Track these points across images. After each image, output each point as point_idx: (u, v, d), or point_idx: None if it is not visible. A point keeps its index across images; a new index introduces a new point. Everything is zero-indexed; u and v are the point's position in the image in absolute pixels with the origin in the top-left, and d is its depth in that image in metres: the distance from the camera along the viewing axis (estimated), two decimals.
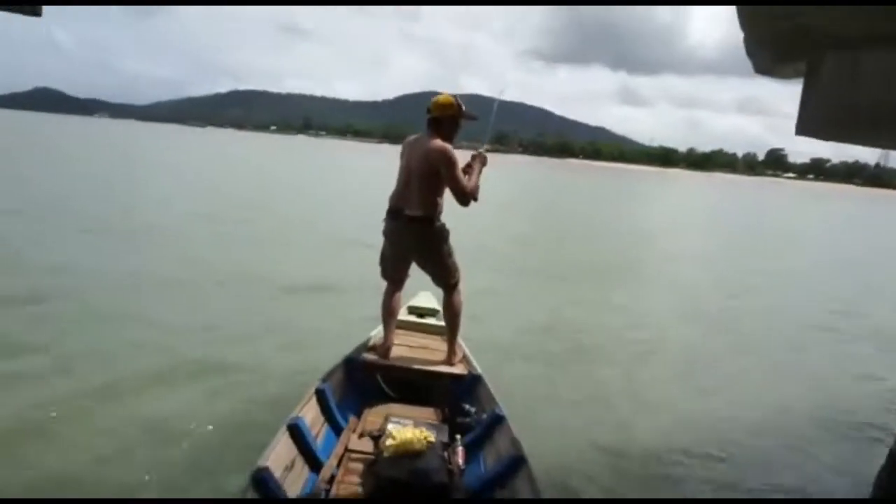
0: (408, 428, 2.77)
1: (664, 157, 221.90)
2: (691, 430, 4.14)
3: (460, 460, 2.60)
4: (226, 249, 8.82)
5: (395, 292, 3.51)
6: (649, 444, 3.87)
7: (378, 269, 3.51)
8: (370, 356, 3.42)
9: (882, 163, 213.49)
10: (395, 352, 3.49)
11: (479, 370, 3.36)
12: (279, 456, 2.37)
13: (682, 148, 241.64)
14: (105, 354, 4.44)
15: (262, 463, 2.23)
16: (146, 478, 2.97)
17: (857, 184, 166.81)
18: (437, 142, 3.18)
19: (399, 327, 3.70)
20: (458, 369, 3.38)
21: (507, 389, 3.37)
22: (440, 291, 3.52)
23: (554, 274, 8.43)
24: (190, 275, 6.91)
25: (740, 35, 2.20)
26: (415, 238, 3.28)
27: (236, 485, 2.28)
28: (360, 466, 2.64)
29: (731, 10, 2.11)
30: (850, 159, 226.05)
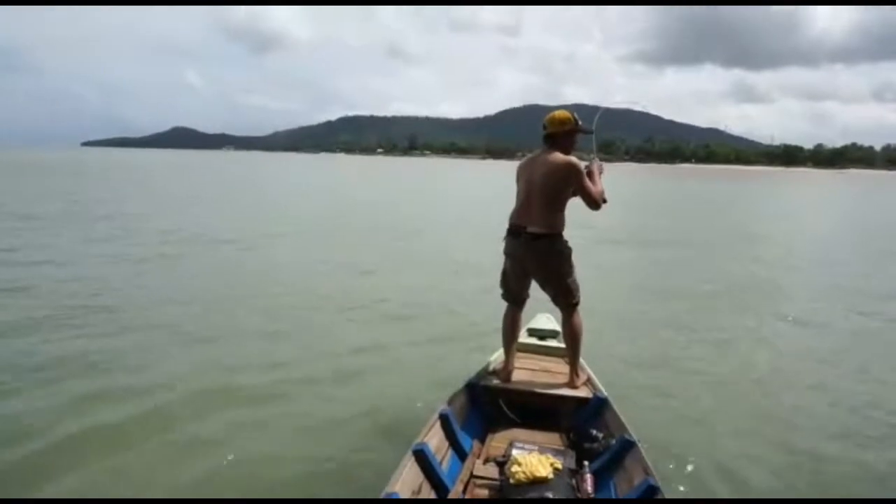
0: (533, 454, 2.73)
1: (787, 156, 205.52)
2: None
3: (590, 488, 2.53)
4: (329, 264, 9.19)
5: (516, 313, 3.49)
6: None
7: (499, 292, 3.52)
8: (492, 380, 3.41)
9: None
10: (517, 375, 3.46)
11: (605, 393, 3.25)
12: (406, 482, 2.41)
13: (808, 145, 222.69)
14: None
15: (389, 489, 2.27)
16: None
17: None
18: (560, 155, 3.18)
19: (519, 350, 3.68)
20: (583, 392, 3.30)
21: (635, 413, 3.24)
22: (559, 312, 3.46)
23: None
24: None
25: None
26: (537, 256, 3.24)
27: None
28: (485, 492, 2.63)
29: None
30: None
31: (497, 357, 3.63)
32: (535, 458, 2.68)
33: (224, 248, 10.67)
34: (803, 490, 3.28)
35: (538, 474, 2.58)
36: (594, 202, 3.22)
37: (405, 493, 2.35)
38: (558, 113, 3.27)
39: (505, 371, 3.43)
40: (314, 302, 6.96)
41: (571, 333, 3.38)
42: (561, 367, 3.58)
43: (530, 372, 3.56)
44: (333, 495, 3.11)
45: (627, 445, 2.73)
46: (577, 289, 3.33)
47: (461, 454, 2.94)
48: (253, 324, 5.97)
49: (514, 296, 3.46)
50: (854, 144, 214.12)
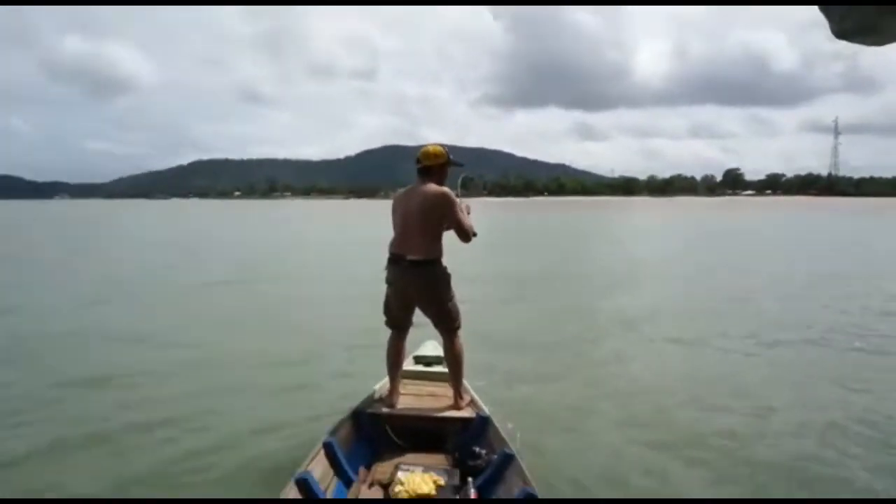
0: (416, 473, 2.82)
1: (626, 187, 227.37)
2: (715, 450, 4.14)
3: None
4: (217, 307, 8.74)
5: (400, 341, 3.57)
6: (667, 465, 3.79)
7: (383, 319, 3.59)
8: (378, 408, 3.45)
9: (833, 172, 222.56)
10: (403, 401, 3.53)
11: (487, 412, 3.38)
12: None
13: (642, 176, 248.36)
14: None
15: None
16: None
17: (812, 194, 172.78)
18: (434, 186, 3.37)
19: (406, 377, 3.76)
20: (466, 413, 3.40)
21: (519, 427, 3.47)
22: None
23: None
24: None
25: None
26: (418, 282, 3.37)
27: None
28: None
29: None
30: (804, 171, 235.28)
31: (382, 385, 3.68)
32: (417, 477, 2.77)
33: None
34: (680, 485, 3.49)
35: (421, 491, 2.67)
36: (466, 234, 3.41)
37: None
38: (432, 147, 3.48)
39: (390, 398, 3.50)
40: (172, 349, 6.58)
41: (453, 357, 3.50)
42: (446, 391, 3.67)
43: (416, 397, 3.64)
44: None
45: (508, 459, 2.86)
46: (457, 313, 3.48)
47: (347, 482, 2.95)
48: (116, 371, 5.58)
49: (397, 322, 3.54)
50: (679, 175, 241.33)
